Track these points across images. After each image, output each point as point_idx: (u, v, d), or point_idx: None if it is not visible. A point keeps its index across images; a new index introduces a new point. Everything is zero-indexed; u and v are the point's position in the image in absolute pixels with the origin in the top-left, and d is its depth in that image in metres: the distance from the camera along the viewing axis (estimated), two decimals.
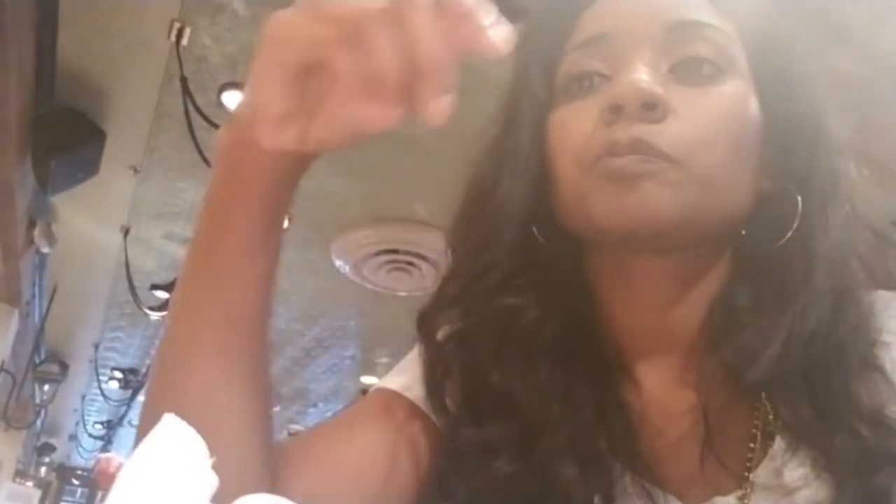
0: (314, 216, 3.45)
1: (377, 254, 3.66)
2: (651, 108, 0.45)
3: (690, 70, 0.48)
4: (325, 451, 0.51)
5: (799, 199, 0.48)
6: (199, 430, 0.35)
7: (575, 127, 0.49)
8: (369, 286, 4.00)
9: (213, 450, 0.35)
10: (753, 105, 0.49)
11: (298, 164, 0.45)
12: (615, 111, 0.46)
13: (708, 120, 0.46)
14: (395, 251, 3.60)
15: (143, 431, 0.38)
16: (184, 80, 2.40)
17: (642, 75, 0.46)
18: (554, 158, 0.50)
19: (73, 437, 8.51)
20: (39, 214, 3.16)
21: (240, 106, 0.43)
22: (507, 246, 0.51)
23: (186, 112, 2.45)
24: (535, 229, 0.52)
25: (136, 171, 3.17)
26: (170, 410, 0.38)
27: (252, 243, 0.45)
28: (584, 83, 0.50)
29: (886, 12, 1.84)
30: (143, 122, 2.84)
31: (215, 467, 0.34)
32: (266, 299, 0.47)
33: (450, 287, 0.54)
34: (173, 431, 0.35)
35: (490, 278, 0.52)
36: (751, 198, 0.49)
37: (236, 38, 2.35)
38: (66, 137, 2.61)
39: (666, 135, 0.45)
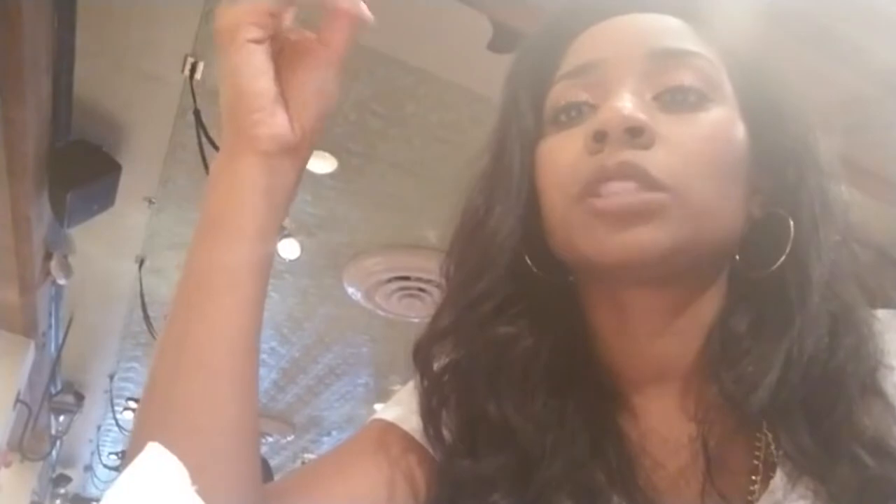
0: (326, 244, 3.48)
1: (389, 281, 3.67)
2: (636, 134, 0.46)
3: (675, 98, 0.48)
4: (322, 484, 0.51)
5: (791, 223, 0.48)
6: (185, 450, 0.36)
7: (562, 157, 0.49)
8: (381, 313, 4.00)
9: (198, 471, 0.35)
10: (740, 130, 0.49)
11: (286, 168, 0.50)
12: (600, 138, 0.46)
13: (694, 147, 0.46)
14: (406, 278, 3.61)
15: (131, 455, 0.39)
16: (197, 114, 2.44)
17: (626, 102, 0.46)
18: (543, 189, 0.51)
19: (89, 468, 8.49)
20: (56, 246, 3.20)
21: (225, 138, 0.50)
22: (499, 275, 0.51)
23: (200, 144, 2.49)
24: (527, 258, 0.52)
25: (150, 202, 3.21)
26: (157, 430, 0.40)
27: (243, 257, 0.47)
28: (570, 113, 0.50)
29: (893, 30, 1.85)
30: (157, 155, 2.89)
31: (200, 492, 0.35)
32: (255, 318, 0.48)
33: (444, 317, 0.54)
34: (156, 460, 0.35)
35: (483, 308, 0.52)
36: (741, 223, 0.49)
37: None
38: (83, 170, 2.65)
39: (654, 161, 0.45)
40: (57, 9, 2.04)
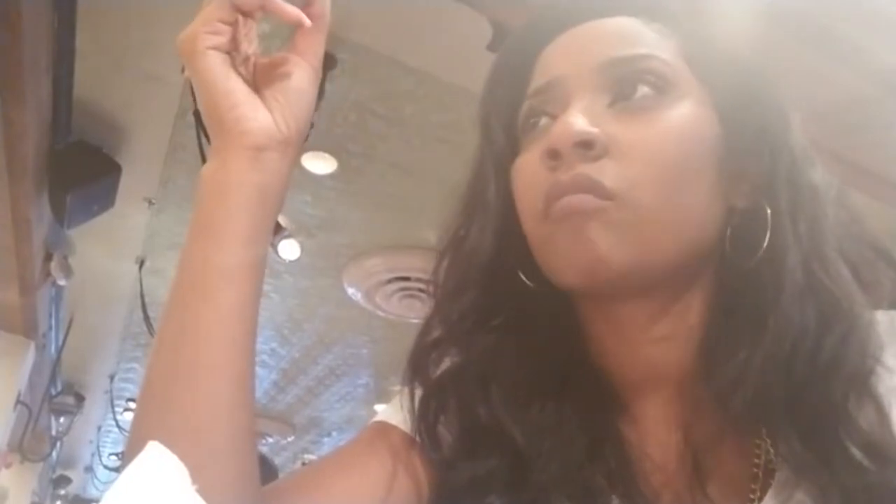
0: (326, 245, 3.48)
1: (389, 281, 3.67)
2: (587, 147, 0.46)
3: (629, 104, 0.48)
4: (322, 484, 0.51)
5: (769, 211, 0.47)
6: (184, 450, 0.36)
7: (526, 175, 0.50)
8: (381, 314, 4.00)
9: (198, 470, 0.35)
10: (707, 123, 0.49)
11: (275, 164, 0.50)
12: (553, 156, 0.47)
13: (651, 149, 0.46)
14: (406, 278, 3.61)
15: (129, 455, 0.39)
16: (197, 114, 2.43)
17: (575, 118, 0.47)
18: (517, 206, 0.52)
19: (89, 469, 8.48)
20: (56, 247, 3.19)
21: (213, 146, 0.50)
22: (480, 291, 0.53)
23: (200, 145, 2.49)
24: (521, 275, 0.53)
25: (150, 203, 3.21)
26: (155, 430, 0.40)
27: (237, 257, 0.48)
28: (535, 131, 0.51)
29: (893, 30, 1.84)
30: (157, 156, 2.88)
31: (201, 491, 0.35)
32: (251, 317, 0.48)
33: (433, 330, 0.55)
34: (156, 459, 0.35)
35: (467, 321, 0.53)
36: (719, 218, 0.48)
37: None
38: (83, 171, 2.65)
39: (608, 170, 0.46)
40: (57, 9, 2.04)
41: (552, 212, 0.47)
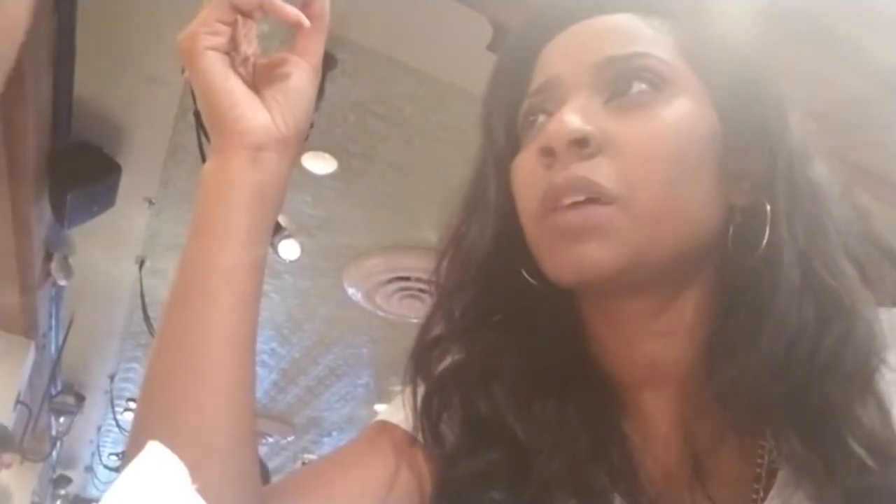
0: (326, 245, 3.48)
1: (389, 281, 3.67)
2: (582, 145, 0.46)
3: (624, 100, 0.48)
4: (322, 483, 0.51)
5: (768, 208, 0.47)
6: (184, 449, 0.36)
7: (523, 174, 0.51)
8: (382, 314, 4.00)
9: (198, 469, 0.35)
10: (705, 120, 0.48)
11: (274, 164, 0.50)
12: (548, 153, 0.47)
13: (645, 147, 0.46)
14: (406, 278, 3.61)
15: (130, 455, 0.39)
16: (197, 114, 2.43)
17: (569, 116, 0.47)
18: (517, 204, 0.52)
19: (89, 469, 8.48)
20: (56, 247, 3.20)
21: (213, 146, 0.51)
22: (481, 288, 0.53)
23: (200, 145, 2.49)
24: (524, 272, 0.53)
25: (151, 203, 3.21)
26: (155, 429, 0.40)
27: (237, 256, 0.48)
28: (533, 129, 0.52)
29: (893, 30, 1.84)
30: (157, 156, 2.89)
31: (201, 491, 0.35)
32: (251, 316, 0.48)
33: (434, 328, 0.55)
34: (156, 459, 0.35)
35: (468, 319, 0.54)
36: (718, 215, 0.48)
37: None
38: (83, 171, 2.65)
39: (603, 168, 0.45)
40: (57, 9, 2.04)
41: (549, 222, 0.47)
